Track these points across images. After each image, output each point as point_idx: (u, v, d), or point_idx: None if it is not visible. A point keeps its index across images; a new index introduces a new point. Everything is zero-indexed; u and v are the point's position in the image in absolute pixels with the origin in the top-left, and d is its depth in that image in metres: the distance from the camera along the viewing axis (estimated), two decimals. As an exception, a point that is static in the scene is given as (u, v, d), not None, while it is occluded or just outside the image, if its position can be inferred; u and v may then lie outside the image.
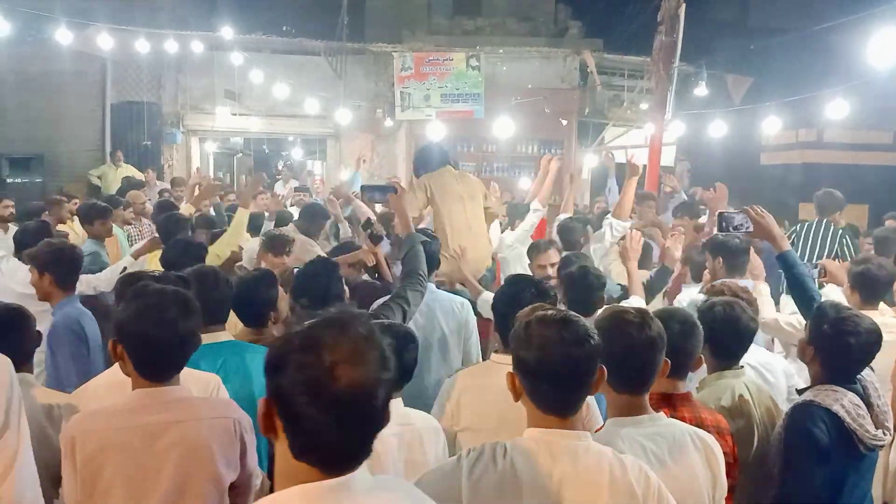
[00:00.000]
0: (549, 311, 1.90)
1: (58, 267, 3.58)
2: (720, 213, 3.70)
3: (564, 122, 12.83)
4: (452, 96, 11.98)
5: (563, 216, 6.06)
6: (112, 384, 2.28)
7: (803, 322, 3.80)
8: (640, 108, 12.58)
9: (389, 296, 3.56)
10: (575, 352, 1.79)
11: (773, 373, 3.32)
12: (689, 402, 2.51)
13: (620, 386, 2.14)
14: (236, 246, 5.13)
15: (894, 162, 10.49)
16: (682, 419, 2.37)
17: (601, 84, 12.93)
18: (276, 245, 4.91)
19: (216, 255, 4.88)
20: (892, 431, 2.67)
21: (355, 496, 1.39)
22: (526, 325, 1.86)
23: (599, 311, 2.42)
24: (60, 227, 6.52)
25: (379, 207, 6.56)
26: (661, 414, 2.19)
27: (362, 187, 4.36)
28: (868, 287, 3.81)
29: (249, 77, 11.80)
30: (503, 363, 2.75)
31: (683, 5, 9.21)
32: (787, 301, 4.52)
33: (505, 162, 13.25)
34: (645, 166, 8.21)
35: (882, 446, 2.61)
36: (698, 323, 2.57)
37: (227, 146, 16.20)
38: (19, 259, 5.01)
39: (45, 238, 5.18)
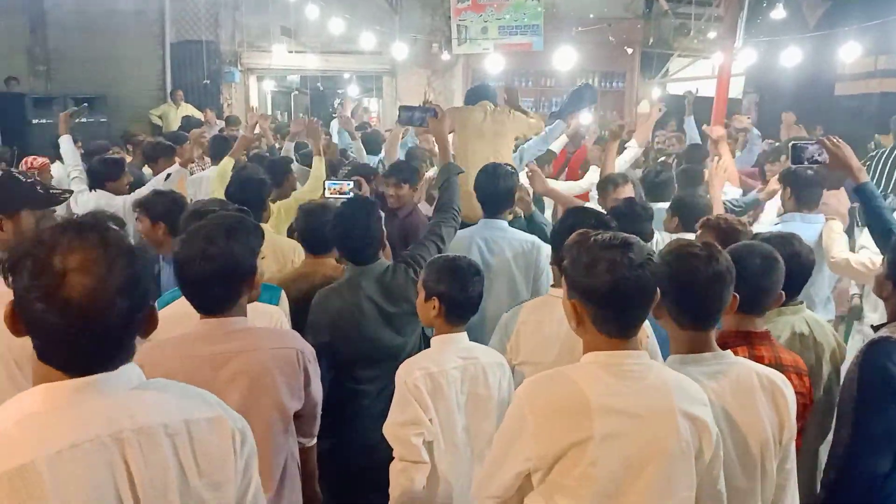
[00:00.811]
0: (607, 234, 1.85)
1: (172, 216, 3.53)
2: (793, 145, 3.51)
3: (630, 51, 12.37)
4: (510, 28, 11.62)
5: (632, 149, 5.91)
6: (182, 315, 2.30)
7: (876, 261, 3.64)
8: (708, 38, 12.02)
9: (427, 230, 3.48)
10: (641, 273, 1.77)
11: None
12: (769, 340, 2.42)
13: (684, 321, 2.08)
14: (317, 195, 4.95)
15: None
16: (760, 358, 2.29)
17: (668, 13, 12.37)
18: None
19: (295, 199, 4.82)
20: None
21: (106, 396, 1.37)
22: (588, 250, 1.81)
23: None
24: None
25: None
26: (728, 352, 2.12)
27: (400, 107, 4.13)
28: None
29: (305, 13, 11.67)
30: (560, 296, 2.72)
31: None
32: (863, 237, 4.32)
33: (565, 96, 12.89)
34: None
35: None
36: (780, 258, 2.46)
37: (283, 84, 16.20)
38: (94, 190, 5.13)
39: (121, 171, 5.31)
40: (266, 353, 2.19)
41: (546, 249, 3.61)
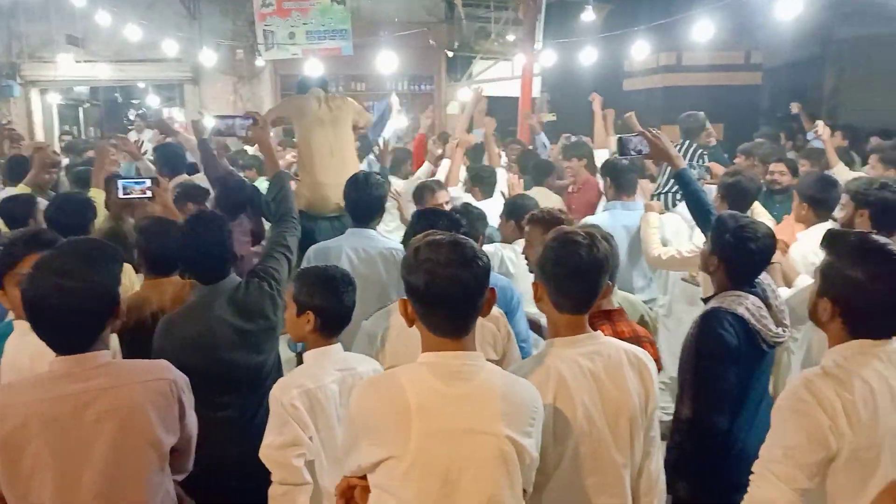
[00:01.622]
0: (439, 236, 1.91)
1: None
2: (619, 137, 3.81)
3: (436, 52, 12.70)
4: (318, 33, 11.48)
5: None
6: (37, 353, 2.08)
7: (683, 251, 4.03)
8: (507, 40, 12.64)
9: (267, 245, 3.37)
10: (462, 274, 1.81)
11: None
12: (624, 316, 2.60)
13: (564, 306, 2.18)
14: None
15: (746, 81, 11.17)
16: (622, 333, 2.46)
17: (466, 16, 12.84)
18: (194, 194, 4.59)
19: None
20: (789, 328, 2.88)
21: None
22: (416, 250, 1.87)
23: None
24: None
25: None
26: (599, 332, 2.25)
27: (216, 117, 3.96)
28: (738, 197, 4.04)
29: (94, 20, 10.84)
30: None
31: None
32: (672, 217, 4.74)
33: (375, 100, 13.00)
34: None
35: (782, 343, 2.82)
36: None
37: (71, 97, 14.92)
38: None
39: None
40: (135, 387, 2.03)
41: None
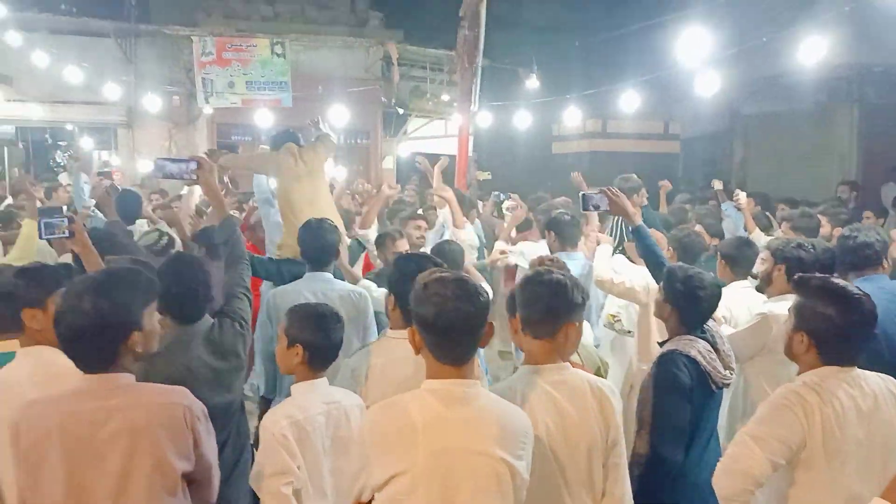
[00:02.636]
0: (445, 273, 2.17)
1: None
2: (583, 194, 4.11)
3: (401, 109, 13.03)
4: (258, 84, 11.69)
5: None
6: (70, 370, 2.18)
7: (626, 279, 4.35)
8: (441, 100, 13.13)
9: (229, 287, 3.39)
10: (466, 307, 2.06)
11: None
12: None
13: (537, 334, 2.41)
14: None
15: (665, 150, 11.96)
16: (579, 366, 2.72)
17: (402, 76, 13.31)
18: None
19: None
20: (735, 372, 3.20)
21: None
22: (425, 285, 2.11)
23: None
24: None
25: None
26: (567, 364, 2.49)
27: (156, 160, 3.68)
28: (688, 251, 4.42)
29: (27, 59, 10.70)
30: (401, 337, 2.94)
31: (485, 1, 9.78)
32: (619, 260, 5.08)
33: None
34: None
35: (729, 384, 3.14)
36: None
37: (-4, 135, 14.51)
38: None
39: None
40: (148, 408, 2.13)
41: (378, 295, 3.88)
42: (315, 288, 3.89)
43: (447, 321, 2.05)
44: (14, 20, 10.84)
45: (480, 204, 8.97)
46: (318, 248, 3.99)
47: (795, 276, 2.61)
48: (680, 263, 3.45)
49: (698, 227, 5.92)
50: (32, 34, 11.23)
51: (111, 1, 12.80)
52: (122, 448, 2.08)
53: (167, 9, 13.40)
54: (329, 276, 3.99)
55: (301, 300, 3.73)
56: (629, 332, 4.61)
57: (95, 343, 2.10)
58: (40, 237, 3.56)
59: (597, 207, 4.04)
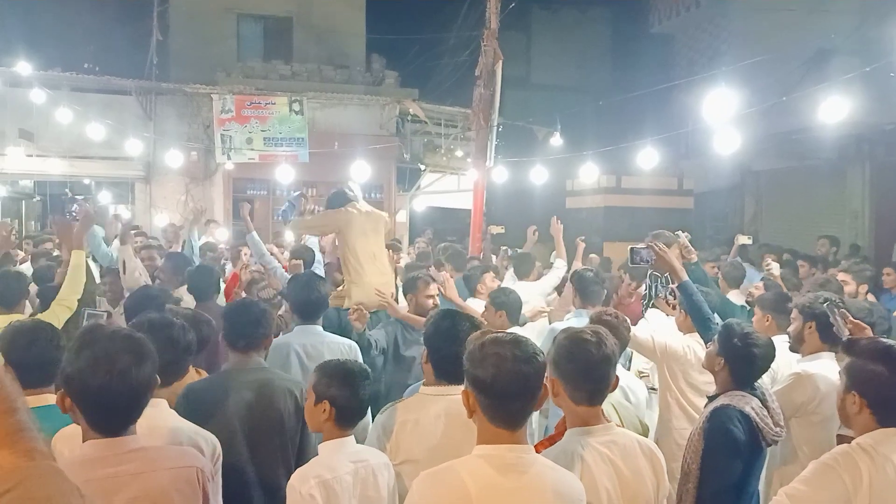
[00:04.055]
0: (500, 333, 2.14)
1: None
2: (631, 248, 4.14)
3: (422, 165, 13.19)
4: (276, 140, 11.91)
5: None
6: (72, 435, 2.15)
7: (659, 339, 4.34)
8: (456, 155, 13.31)
9: None
10: (525, 368, 2.02)
11: (634, 393, 3.74)
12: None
13: (580, 398, 2.41)
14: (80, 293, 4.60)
15: (679, 205, 12.04)
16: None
17: (416, 132, 13.53)
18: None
19: (66, 307, 4.50)
20: (784, 429, 3.18)
21: None
22: (481, 346, 2.07)
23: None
24: None
25: None
26: (612, 423, 2.49)
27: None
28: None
29: (50, 115, 10.95)
30: (434, 394, 2.95)
31: (501, 61, 10.00)
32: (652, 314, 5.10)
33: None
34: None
35: (779, 441, 3.11)
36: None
37: (17, 189, 14.71)
38: None
39: None
40: (165, 473, 2.08)
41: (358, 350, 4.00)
42: (304, 340, 3.97)
43: (505, 383, 2.01)
44: (38, 78, 11.16)
45: (494, 258, 9.03)
46: (308, 301, 4.10)
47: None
48: (737, 320, 3.44)
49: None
50: (56, 91, 11.53)
51: (133, 60, 13.13)
52: None
53: (187, 68, 13.73)
54: (319, 328, 4.09)
55: (291, 354, 3.85)
56: (654, 388, 4.58)
57: (134, 407, 2.05)
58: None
59: (644, 261, 4.05)
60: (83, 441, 2.05)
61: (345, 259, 5.56)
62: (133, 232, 7.62)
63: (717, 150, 7.48)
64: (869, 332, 3.19)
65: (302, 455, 3.08)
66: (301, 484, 2.55)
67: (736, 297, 6.05)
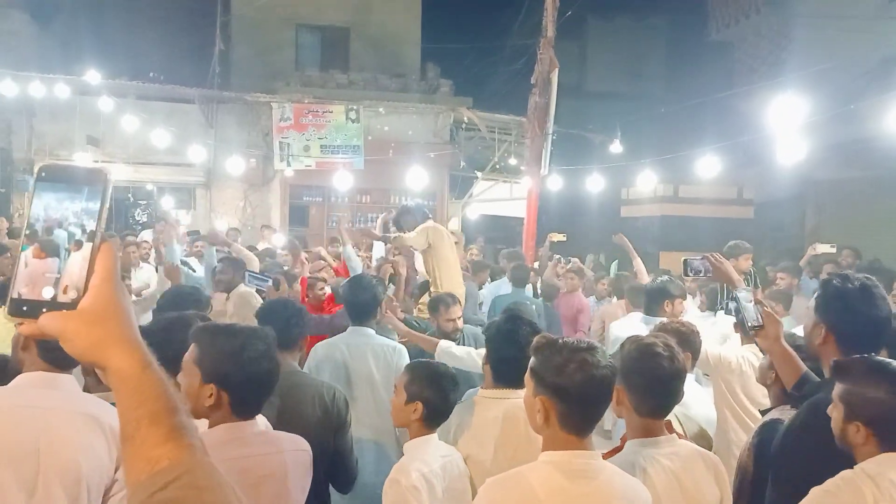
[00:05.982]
0: (572, 340, 2.13)
1: None
2: (685, 259, 4.08)
3: (479, 172, 13.29)
4: (333, 147, 12.11)
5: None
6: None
7: (722, 354, 4.27)
8: (509, 163, 13.31)
9: None
10: (606, 373, 2.04)
11: (698, 404, 3.67)
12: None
13: (644, 410, 2.39)
14: None
15: (739, 215, 11.83)
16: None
17: (470, 139, 13.59)
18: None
19: None
20: None
21: None
22: (559, 351, 2.06)
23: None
24: None
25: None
26: (674, 435, 2.46)
27: None
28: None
29: (117, 123, 11.35)
30: (493, 398, 2.97)
31: (556, 69, 10.00)
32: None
33: (379, 212, 13.46)
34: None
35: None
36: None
37: (82, 194, 15.18)
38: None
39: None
40: (286, 455, 2.25)
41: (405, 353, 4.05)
42: (351, 341, 4.06)
43: (590, 389, 2.02)
44: (106, 87, 11.59)
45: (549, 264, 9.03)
46: (360, 303, 4.18)
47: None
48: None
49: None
50: (122, 100, 11.94)
51: (196, 69, 13.50)
52: (267, 493, 2.17)
53: (248, 77, 14.05)
54: (369, 331, 4.13)
55: (337, 353, 3.98)
56: None
57: (272, 389, 2.32)
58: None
59: (698, 273, 3.99)
60: (209, 427, 2.21)
61: (437, 271, 6.12)
62: (192, 237, 7.94)
63: (780, 159, 7.35)
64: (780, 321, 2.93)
65: (339, 458, 3.11)
66: (405, 478, 2.61)
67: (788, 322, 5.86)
